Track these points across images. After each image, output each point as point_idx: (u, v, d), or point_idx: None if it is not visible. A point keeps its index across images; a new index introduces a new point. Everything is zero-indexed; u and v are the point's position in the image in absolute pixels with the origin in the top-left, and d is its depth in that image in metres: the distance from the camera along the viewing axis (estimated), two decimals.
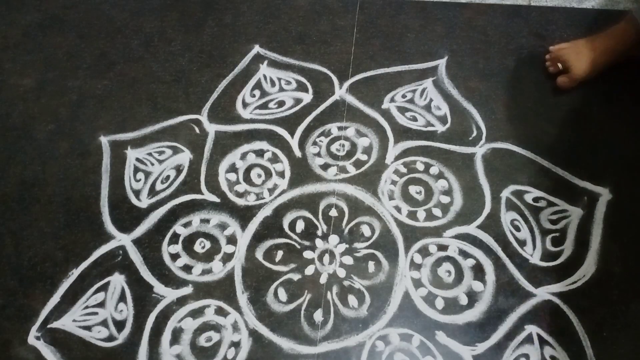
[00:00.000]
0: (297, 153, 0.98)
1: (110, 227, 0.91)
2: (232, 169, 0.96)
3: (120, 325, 0.81)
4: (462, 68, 1.06)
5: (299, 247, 0.87)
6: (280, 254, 0.87)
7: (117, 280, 0.85)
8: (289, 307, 0.82)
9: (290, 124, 1.01)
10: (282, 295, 0.83)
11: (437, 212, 0.90)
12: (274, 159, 0.97)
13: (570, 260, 0.84)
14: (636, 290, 0.80)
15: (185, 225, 0.90)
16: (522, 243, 0.86)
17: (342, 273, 0.85)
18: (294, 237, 0.88)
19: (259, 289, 0.84)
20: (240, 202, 0.92)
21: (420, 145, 0.97)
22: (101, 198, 0.94)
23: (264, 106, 1.04)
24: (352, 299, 0.82)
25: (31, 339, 0.81)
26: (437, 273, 0.84)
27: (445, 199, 0.91)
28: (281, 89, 1.06)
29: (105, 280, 0.85)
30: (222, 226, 0.90)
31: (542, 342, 0.77)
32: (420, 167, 0.95)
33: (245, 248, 0.88)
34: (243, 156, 0.98)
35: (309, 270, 0.85)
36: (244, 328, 0.81)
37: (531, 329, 0.78)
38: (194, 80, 1.08)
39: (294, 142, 0.99)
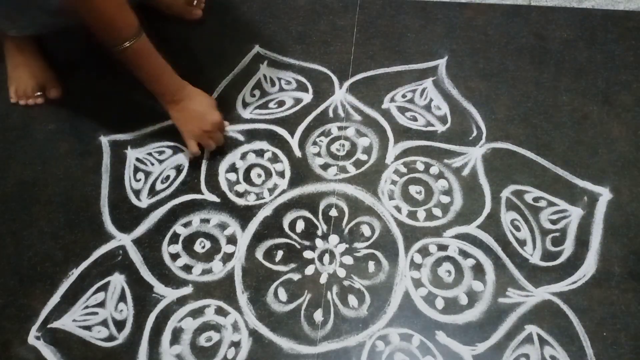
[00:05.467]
0: (297, 153, 0.98)
1: (110, 227, 0.91)
2: (232, 168, 0.96)
3: (120, 325, 0.81)
4: (462, 68, 1.06)
5: (299, 247, 0.87)
6: (280, 253, 0.87)
7: (117, 280, 0.85)
8: (289, 307, 0.82)
9: (290, 124, 1.01)
10: (282, 295, 0.83)
11: (437, 212, 0.90)
12: (274, 159, 0.97)
13: (570, 260, 0.84)
14: (636, 290, 0.81)
15: (185, 225, 0.90)
16: (522, 243, 0.86)
17: (342, 273, 0.85)
18: (294, 237, 0.88)
19: (259, 288, 0.84)
20: (240, 202, 0.92)
21: (420, 145, 0.97)
22: (101, 198, 0.94)
23: (264, 106, 1.04)
24: (352, 299, 0.82)
25: (31, 339, 0.81)
26: (437, 273, 0.84)
27: (445, 199, 0.91)
28: (281, 89, 1.06)
29: (105, 280, 0.85)
30: (222, 226, 0.90)
31: (542, 342, 0.77)
32: (420, 167, 0.95)
33: (245, 248, 0.88)
34: (243, 156, 0.98)
35: (309, 270, 0.85)
36: (244, 328, 0.81)
37: (531, 329, 0.78)
38: (194, 80, 1.08)
39: (294, 142, 0.99)
